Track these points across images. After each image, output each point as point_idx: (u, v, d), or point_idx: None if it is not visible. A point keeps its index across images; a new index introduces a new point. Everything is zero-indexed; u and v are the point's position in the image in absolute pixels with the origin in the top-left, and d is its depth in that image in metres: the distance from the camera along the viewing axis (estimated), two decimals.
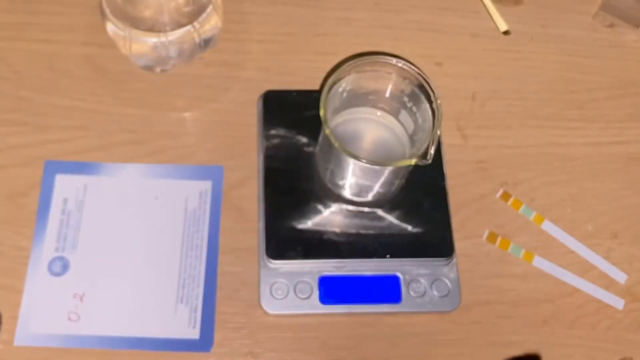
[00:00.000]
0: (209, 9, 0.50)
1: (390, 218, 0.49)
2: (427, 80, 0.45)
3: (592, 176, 0.54)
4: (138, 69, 0.54)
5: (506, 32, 0.59)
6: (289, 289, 0.47)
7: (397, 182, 0.49)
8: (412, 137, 0.49)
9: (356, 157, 0.43)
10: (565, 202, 0.53)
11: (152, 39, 0.49)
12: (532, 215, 0.52)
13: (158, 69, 0.54)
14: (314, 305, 0.47)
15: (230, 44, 0.56)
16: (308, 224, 0.48)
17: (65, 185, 0.49)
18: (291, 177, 0.50)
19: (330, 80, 0.45)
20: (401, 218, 0.49)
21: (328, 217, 0.49)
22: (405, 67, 0.46)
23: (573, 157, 0.54)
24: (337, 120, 0.49)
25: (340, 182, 0.49)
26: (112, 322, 0.45)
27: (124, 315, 0.45)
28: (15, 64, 0.54)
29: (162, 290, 0.47)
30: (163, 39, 0.49)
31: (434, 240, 0.49)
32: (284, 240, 0.47)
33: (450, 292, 0.48)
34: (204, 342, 0.46)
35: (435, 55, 0.57)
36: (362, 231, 0.49)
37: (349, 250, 0.48)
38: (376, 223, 0.49)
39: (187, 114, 0.54)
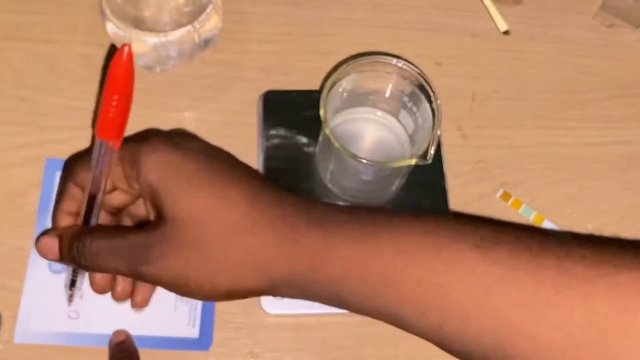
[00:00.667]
0: (209, 9, 0.50)
1: None
2: (427, 80, 0.45)
3: (592, 176, 0.54)
4: (138, 69, 0.53)
5: (506, 32, 0.59)
6: None
7: (397, 182, 0.49)
8: (412, 137, 0.49)
9: (356, 157, 0.43)
10: (565, 202, 0.53)
11: (152, 39, 0.49)
12: (532, 215, 0.52)
13: (158, 69, 0.54)
14: (314, 305, 0.47)
15: (230, 44, 0.56)
16: None
17: None
18: (291, 177, 0.50)
19: (330, 80, 0.45)
20: None
21: None
22: (405, 67, 0.46)
23: (573, 157, 0.54)
24: (337, 120, 0.49)
25: (341, 182, 0.49)
26: (112, 320, 0.46)
27: (124, 313, 0.45)
28: (15, 64, 0.54)
29: (162, 289, 0.46)
30: (163, 39, 0.49)
31: None
32: None
33: None
34: (203, 341, 0.46)
35: (435, 55, 0.57)
36: None
37: None
38: None
39: (187, 114, 0.54)
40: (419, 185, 0.50)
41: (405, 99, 0.48)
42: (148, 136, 0.38)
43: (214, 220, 0.36)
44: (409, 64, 0.46)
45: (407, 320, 0.34)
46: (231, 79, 0.55)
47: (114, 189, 0.40)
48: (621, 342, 0.29)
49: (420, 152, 0.44)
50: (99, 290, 0.41)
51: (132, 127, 0.52)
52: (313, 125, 0.48)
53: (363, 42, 0.57)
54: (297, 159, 0.51)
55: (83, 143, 0.51)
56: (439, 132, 0.44)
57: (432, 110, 0.45)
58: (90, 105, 0.53)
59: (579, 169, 0.54)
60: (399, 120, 0.49)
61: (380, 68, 0.47)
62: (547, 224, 0.51)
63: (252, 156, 0.51)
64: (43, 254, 0.40)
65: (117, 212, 0.42)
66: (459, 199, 0.51)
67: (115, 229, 0.39)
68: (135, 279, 0.40)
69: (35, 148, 0.51)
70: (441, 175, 0.51)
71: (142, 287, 0.41)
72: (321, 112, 0.44)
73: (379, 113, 0.50)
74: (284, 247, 0.35)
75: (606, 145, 0.55)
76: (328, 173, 0.49)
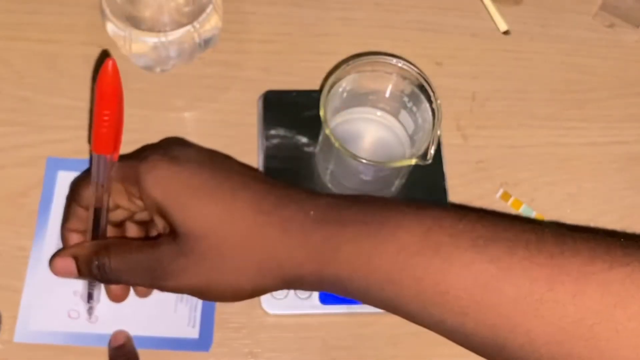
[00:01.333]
0: (209, 9, 0.50)
1: None
2: (427, 80, 0.45)
3: (592, 176, 0.54)
4: (138, 69, 0.54)
5: (506, 32, 0.59)
6: None
7: (397, 182, 0.49)
8: (412, 137, 0.49)
9: (356, 157, 0.43)
10: (565, 202, 0.53)
11: (152, 39, 0.49)
12: (532, 216, 0.52)
13: (158, 69, 0.54)
14: (314, 305, 0.47)
15: (230, 44, 0.56)
16: None
17: (67, 182, 0.49)
18: (291, 177, 0.50)
19: (330, 80, 0.45)
20: None
21: None
22: (405, 67, 0.46)
23: (573, 157, 0.54)
24: (337, 120, 0.49)
25: (341, 182, 0.49)
26: (112, 320, 0.45)
27: (124, 313, 0.45)
28: (15, 64, 0.54)
29: None
30: (163, 39, 0.49)
31: None
32: None
33: None
34: (203, 341, 0.46)
35: (435, 55, 0.57)
36: None
37: None
38: None
39: (187, 114, 0.54)
40: (419, 185, 0.50)
41: (405, 99, 0.48)
42: (145, 153, 0.39)
43: (226, 231, 0.37)
44: (409, 64, 0.46)
45: (411, 314, 0.36)
46: (231, 79, 0.55)
47: (117, 207, 0.41)
48: (612, 338, 0.31)
49: (420, 152, 0.44)
50: (116, 299, 0.43)
51: (133, 127, 0.52)
52: (313, 125, 0.48)
53: (363, 42, 0.57)
54: (297, 159, 0.51)
55: (83, 143, 0.51)
56: (439, 132, 0.44)
57: (432, 110, 0.45)
58: (90, 105, 0.53)
59: (579, 168, 0.54)
60: (399, 120, 0.49)
61: (380, 68, 0.47)
62: None
63: (252, 156, 0.51)
64: (59, 274, 0.41)
65: (121, 223, 0.43)
66: (459, 199, 0.51)
67: (130, 244, 0.40)
68: (155, 289, 0.43)
69: (35, 148, 0.51)
70: (441, 175, 0.51)
71: None
72: (321, 112, 0.44)
73: (379, 113, 0.50)
74: (294, 250, 0.36)
75: (606, 145, 0.55)
76: (328, 173, 0.49)
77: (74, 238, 0.42)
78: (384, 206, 0.37)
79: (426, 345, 0.47)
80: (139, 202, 0.40)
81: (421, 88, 0.46)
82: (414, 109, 0.47)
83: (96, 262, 0.39)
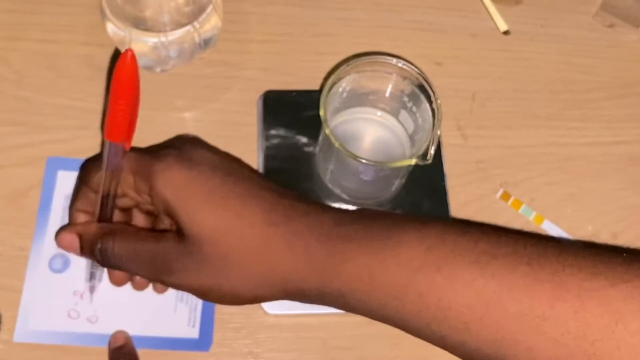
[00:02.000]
0: (209, 9, 0.50)
1: None
2: (427, 80, 0.45)
3: (592, 176, 0.54)
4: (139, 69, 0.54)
5: (506, 32, 0.59)
6: None
7: (397, 182, 0.49)
8: (412, 137, 0.49)
9: (356, 157, 0.43)
10: (565, 202, 0.53)
11: (152, 39, 0.49)
12: (532, 216, 0.52)
13: (158, 69, 0.54)
14: (314, 305, 0.47)
15: (230, 44, 0.56)
16: None
17: (67, 182, 0.49)
18: (291, 177, 0.50)
19: (330, 80, 0.45)
20: None
21: None
22: (405, 67, 0.46)
23: (573, 157, 0.54)
24: (337, 120, 0.49)
25: (341, 182, 0.49)
26: (112, 320, 0.45)
27: (124, 313, 0.45)
28: (15, 64, 0.54)
29: None
30: (163, 39, 0.49)
31: None
32: None
33: None
34: (204, 341, 0.46)
35: (435, 55, 0.57)
36: None
37: None
38: None
39: (187, 114, 0.54)
40: (419, 185, 0.50)
41: (405, 99, 0.48)
42: (160, 152, 0.40)
43: (232, 239, 0.37)
44: (409, 64, 0.46)
45: (414, 329, 0.36)
46: (231, 79, 0.55)
47: (124, 195, 0.41)
48: (614, 354, 0.31)
49: (420, 152, 0.44)
50: (117, 283, 0.43)
51: None
52: (313, 125, 0.48)
53: (363, 42, 0.57)
54: (297, 159, 0.51)
55: (83, 143, 0.51)
56: (438, 132, 0.44)
57: (432, 110, 0.45)
58: (91, 105, 0.53)
59: (579, 169, 0.54)
60: (399, 120, 0.49)
61: (380, 68, 0.47)
62: (547, 224, 0.51)
63: (252, 156, 0.51)
64: (63, 247, 0.42)
65: (128, 209, 0.43)
66: (459, 199, 0.51)
67: (136, 233, 0.40)
68: (156, 282, 0.43)
69: (35, 148, 0.51)
70: (441, 175, 0.51)
71: None
72: (321, 112, 0.44)
73: (379, 113, 0.50)
74: (298, 265, 0.37)
75: (606, 145, 0.55)
76: (328, 173, 0.49)
77: (82, 218, 0.42)
78: (387, 222, 0.37)
79: (426, 345, 0.47)
80: (146, 197, 0.40)
81: (421, 88, 0.46)
82: (414, 109, 0.47)
83: (100, 245, 0.39)
